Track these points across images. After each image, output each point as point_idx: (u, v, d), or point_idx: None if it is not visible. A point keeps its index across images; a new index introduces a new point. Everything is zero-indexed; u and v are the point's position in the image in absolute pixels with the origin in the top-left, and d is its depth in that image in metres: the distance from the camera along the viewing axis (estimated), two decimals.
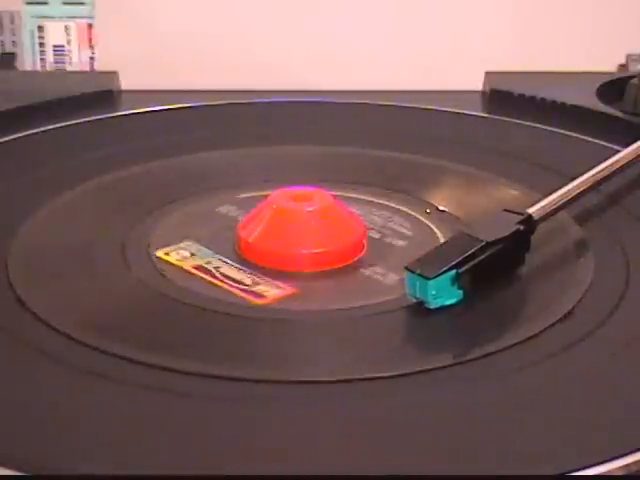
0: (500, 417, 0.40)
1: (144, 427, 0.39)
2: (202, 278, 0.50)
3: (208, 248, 0.52)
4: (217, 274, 0.50)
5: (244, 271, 0.50)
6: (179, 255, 0.51)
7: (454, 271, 0.46)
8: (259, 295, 0.48)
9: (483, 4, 0.82)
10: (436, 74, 0.80)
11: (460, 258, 0.47)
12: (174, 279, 0.49)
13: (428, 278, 0.46)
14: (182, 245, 0.52)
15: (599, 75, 0.76)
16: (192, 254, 0.52)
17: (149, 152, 0.64)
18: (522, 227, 0.50)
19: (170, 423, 0.40)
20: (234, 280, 0.49)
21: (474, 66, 0.77)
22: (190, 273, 0.50)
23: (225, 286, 0.49)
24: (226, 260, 0.51)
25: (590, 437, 0.39)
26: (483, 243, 0.48)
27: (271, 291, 0.49)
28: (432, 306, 0.46)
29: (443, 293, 0.46)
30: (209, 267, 0.51)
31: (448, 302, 0.47)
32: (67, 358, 0.43)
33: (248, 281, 0.49)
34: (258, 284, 0.49)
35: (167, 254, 0.51)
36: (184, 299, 0.48)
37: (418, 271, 0.46)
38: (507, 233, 0.49)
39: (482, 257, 0.47)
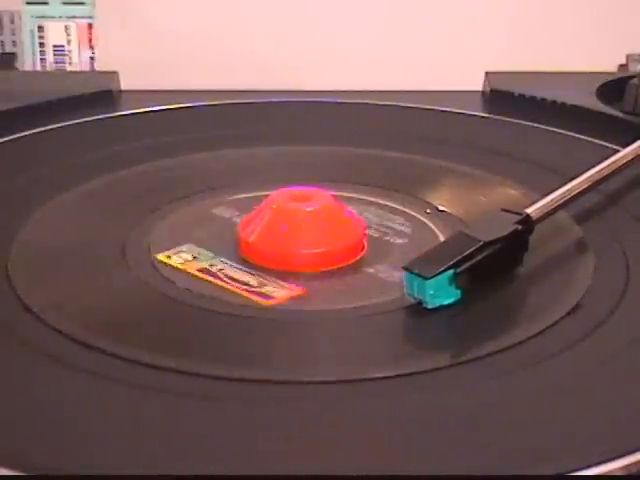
0: (500, 417, 0.40)
1: (144, 427, 0.40)
2: (207, 280, 0.50)
3: (209, 250, 0.52)
4: (221, 276, 0.50)
5: (248, 272, 0.50)
6: (181, 258, 0.51)
7: (452, 271, 0.46)
8: (265, 296, 0.48)
9: (483, 4, 0.82)
10: (436, 74, 0.80)
11: (458, 258, 0.47)
12: (177, 281, 0.49)
13: (426, 278, 0.46)
14: (183, 248, 0.52)
15: (599, 75, 0.76)
16: (194, 257, 0.51)
17: (149, 152, 0.64)
18: (520, 227, 0.50)
19: (170, 423, 0.40)
20: (239, 282, 0.49)
21: (474, 66, 0.77)
22: (194, 276, 0.50)
23: (231, 288, 0.49)
24: (228, 262, 0.51)
25: (590, 437, 0.39)
26: (481, 243, 0.48)
27: (278, 292, 0.49)
28: (430, 306, 0.46)
29: (441, 293, 0.46)
30: (213, 269, 0.50)
31: (446, 302, 0.47)
32: (67, 358, 0.43)
33: (254, 282, 0.49)
34: (264, 285, 0.49)
35: (169, 257, 0.51)
36: (188, 301, 0.48)
37: (416, 271, 0.46)
38: (505, 233, 0.49)
39: (480, 257, 0.47)
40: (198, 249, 0.52)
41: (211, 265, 0.51)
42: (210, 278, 0.50)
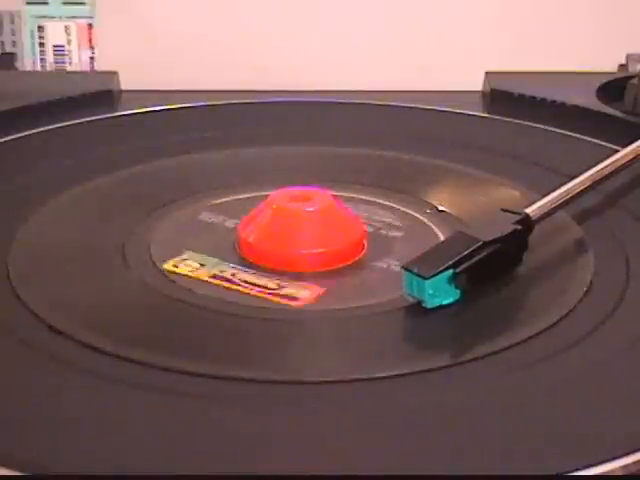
0: (500, 417, 0.40)
1: (144, 427, 0.40)
2: (223, 286, 0.49)
3: (209, 250, 0.52)
4: (236, 280, 0.49)
5: (262, 275, 0.50)
6: (188, 267, 0.51)
7: (451, 271, 0.46)
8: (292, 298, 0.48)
9: (483, 4, 0.82)
10: (436, 74, 0.80)
11: (457, 258, 0.47)
12: (189, 286, 0.49)
13: (425, 278, 0.46)
14: (186, 255, 0.51)
15: (599, 75, 0.76)
16: (201, 264, 0.51)
17: (149, 152, 0.64)
18: (520, 227, 0.50)
19: (170, 423, 0.40)
20: (257, 285, 0.49)
21: (474, 66, 0.77)
22: (208, 282, 0.49)
23: (250, 291, 0.49)
24: (229, 264, 0.51)
25: (590, 437, 0.39)
26: (480, 243, 0.48)
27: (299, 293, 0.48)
28: (429, 306, 0.46)
29: (440, 293, 0.46)
30: (225, 275, 0.50)
31: (445, 302, 0.47)
32: (67, 358, 0.43)
33: (273, 285, 0.49)
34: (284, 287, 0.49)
35: (175, 266, 0.51)
36: (196, 303, 0.48)
37: (415, 270, 0.46)
38: (504, 233, 0.49)
39: (479, 257, 0.47)
40: (199, 251, 0.52)
41: (221, 271, 0.50)
42: (224, 283, 0.49)
